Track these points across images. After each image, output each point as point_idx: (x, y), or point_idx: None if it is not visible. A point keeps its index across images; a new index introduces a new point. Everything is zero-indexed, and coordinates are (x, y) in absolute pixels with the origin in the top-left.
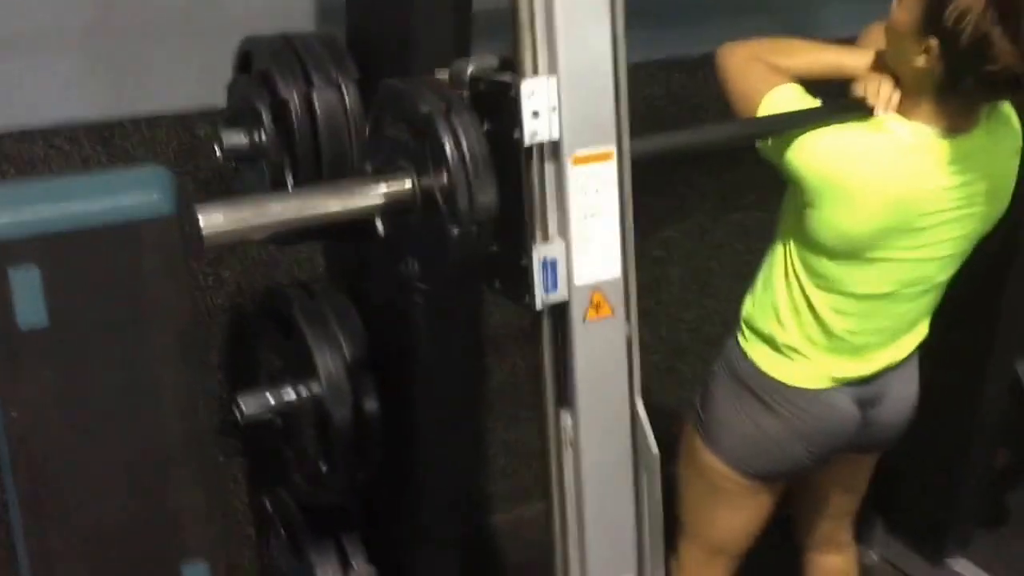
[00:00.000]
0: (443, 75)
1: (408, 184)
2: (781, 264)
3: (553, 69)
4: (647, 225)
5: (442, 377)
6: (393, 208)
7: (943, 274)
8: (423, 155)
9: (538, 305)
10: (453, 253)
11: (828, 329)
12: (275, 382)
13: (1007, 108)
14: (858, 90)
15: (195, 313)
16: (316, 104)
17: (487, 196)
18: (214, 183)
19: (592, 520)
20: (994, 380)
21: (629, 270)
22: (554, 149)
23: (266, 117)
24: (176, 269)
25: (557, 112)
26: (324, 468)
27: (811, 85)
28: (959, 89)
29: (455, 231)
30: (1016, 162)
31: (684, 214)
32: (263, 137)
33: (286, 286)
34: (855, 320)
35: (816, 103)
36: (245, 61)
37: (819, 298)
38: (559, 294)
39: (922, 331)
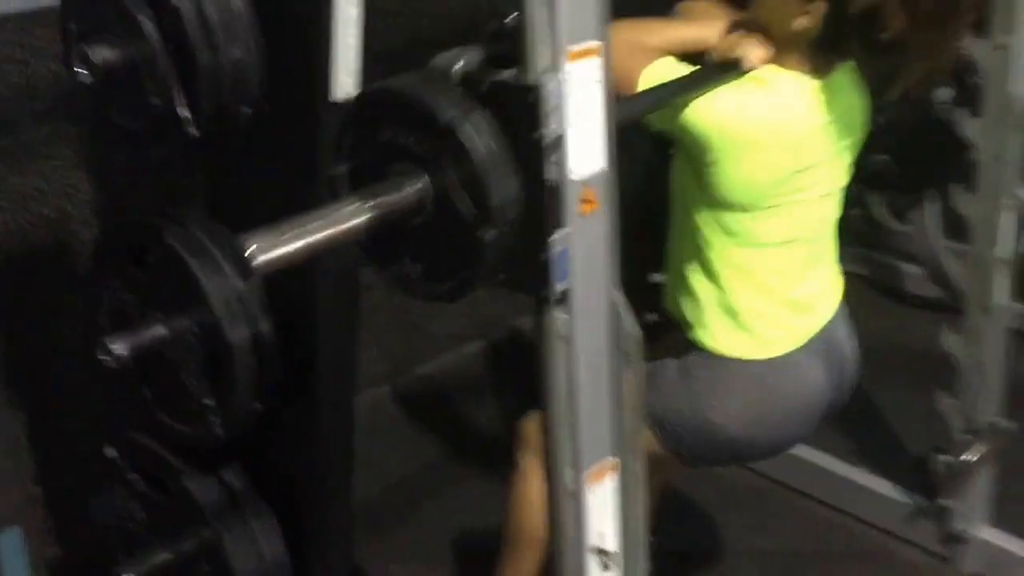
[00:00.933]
0: None
1: (420, 187)
2: (704, 240)
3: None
4: None
5: (334, 294)
6: (401, 215)
7: (837, 207)
8: (438, 159)
9: (554, 296)
10: (489, 254)
11: (770, 288)
12: (145, 320)
13: None
14: (723, 52)
15: None
16: (209, 11)
17: (514, 194)
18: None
19: (584, 409)
20: None
21: (612, 166)
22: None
23: (150, 28)
24: None
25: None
26: (211, 402)
27: None
28: (837, 48)
29: (488, 236)
30: (859, 96)
31: None
32: (144, 53)
33: (144, 219)
34: (787, 274)
35: (690, 69)
36: None
37: (747, 257)
38: (567, 283)
39: (837, 271)
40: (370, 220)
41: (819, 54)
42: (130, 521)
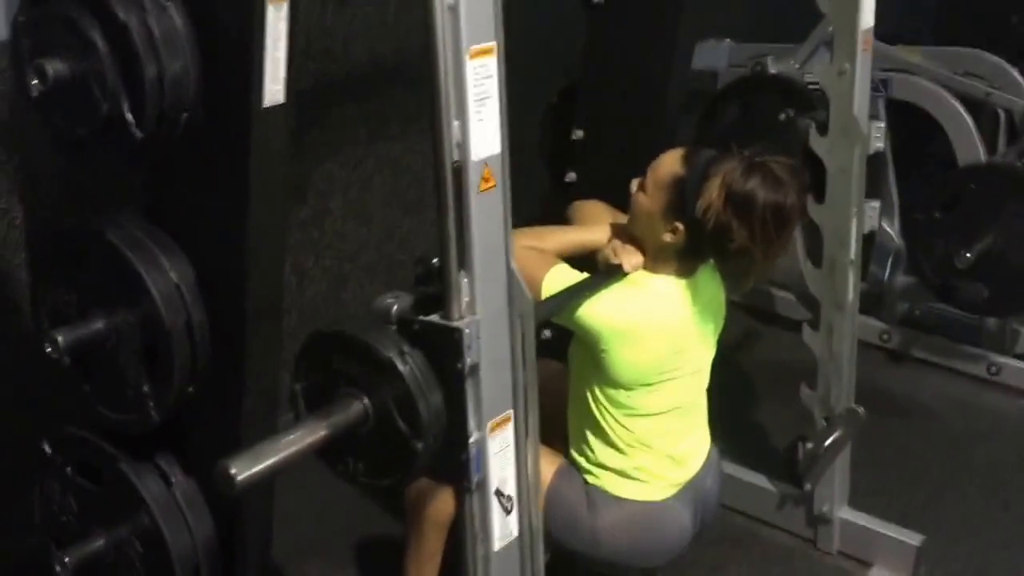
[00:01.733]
0: None
1: (363, 407)
2: (598, 410)
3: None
4: (310, 158)
5: (262, 285)
6: (351, 427)
7: (706, 379)
8: (378, 385)
9: (473, 486)
10: (420, 459)
11: (654, 448)
12: (85, 316)
13: None
14: (607, 258)
15: None
16: (153, 27)
17: (439, 411)
18: None
19: (485, 367)
20: None
21: (505, 150)
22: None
23: (100, 44)
24: None
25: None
26: (148, 388)
27: None
28: (696, 256)
29: (419, 446)
30: (720, 288)
31: (339, 146)
32: (95, 66)
33: (85, 221)
34: (668, 437)
35: (580, 276)
36: None
37: (634, 424)
38: (481, 475)
39: (706, 430)
40: (325, 437)
41: (684, 260)
42: (65, 513)
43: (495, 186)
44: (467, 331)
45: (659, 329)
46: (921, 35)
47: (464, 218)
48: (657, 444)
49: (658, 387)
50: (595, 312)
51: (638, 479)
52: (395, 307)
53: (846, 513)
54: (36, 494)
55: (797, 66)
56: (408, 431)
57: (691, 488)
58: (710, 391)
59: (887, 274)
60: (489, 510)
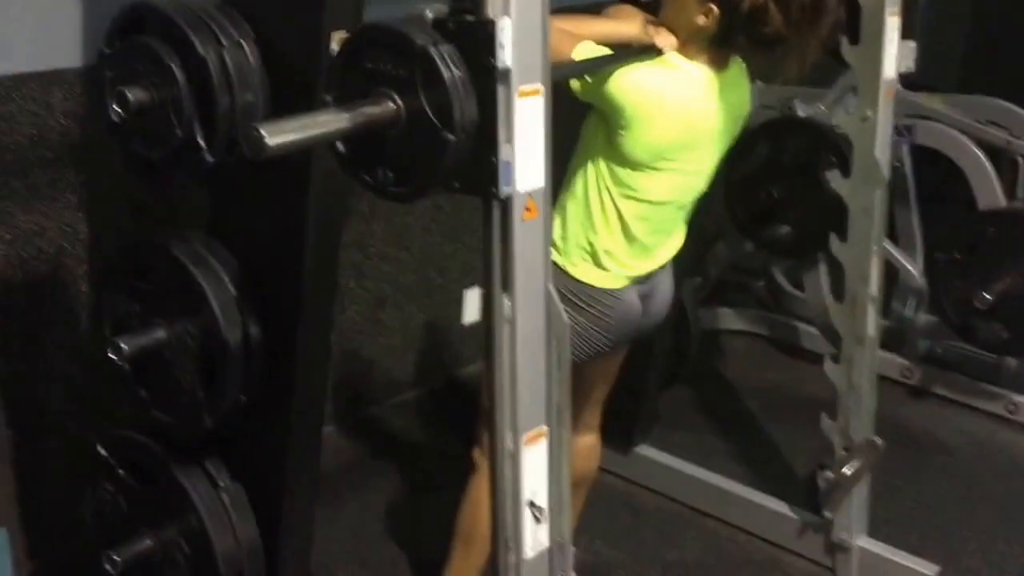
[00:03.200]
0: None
1: (392, 105)
2: (594, 184)
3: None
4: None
5: (315, 302)
6: (380, 125)
7: (702, 185)
8: (411, 80)
9: (502, 194)
10: (451, 158)
11: (631, 233)
12: (147, 326)
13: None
14: (641, 39)
15: None
16: (228, 62)
17: (472, 110)
18: None
19: (522, 381)
20: None
21: (548, 183)
22: (506, 77)
23: (179, 75)
24: None
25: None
26: (202, 396)
27: None
28: (730, 43)
29: (451, 138)
30: (748, 93)
31: None
32: (173, 94)
33: (150, 237)
34: (649, 224)
35: (610, 52)
36: (132, 24)
37: (625, 206)
38: (511, 188)
39: (681, 236)
40: (355, 125)
41: (716, 49)
42: (116, 513)
43: (537, 216)
44: (501, 25)
45: (681, 113)
46: (948, 83)
47: (508, 243)
48: (636, 230)
49: (661, 174)
50: (624, 82)
51: (602, 267)
52: (430, 11)
53: (864, 542)
54: (88, 495)
55: (824, 109)
56: (439, 124)
57: (648, 281)
58: (733, 416)
59: (909, 312)
60: (521, 519)
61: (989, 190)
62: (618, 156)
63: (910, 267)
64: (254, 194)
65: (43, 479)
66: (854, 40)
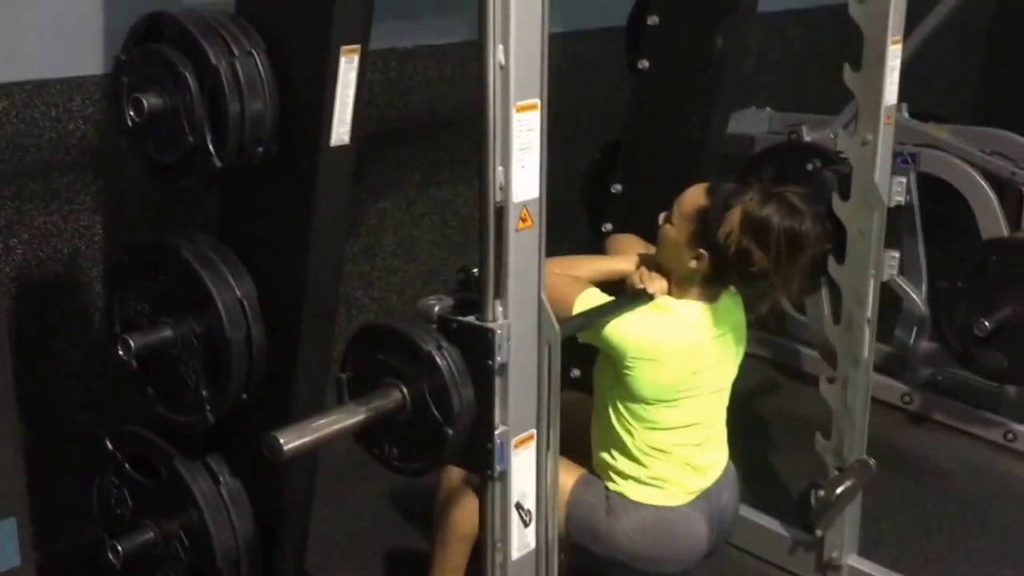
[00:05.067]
0: None
1: (399, 395)
2: (617, 423)
3: (505, 40)
4: (367, 196)
5: (317, 305)
6: (389, 413)
7: (726, 398)
8: (417, 376)
9: (496, 473)
10: (450, 447)
11: (670, 456)
12: (155, 324)
13: None
14: (634, 283)
15: None
16: (239, 71)
17: (471, 401)
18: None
19: (514, 386)
20: None
21: (542, 194)
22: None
23: (192, 82)
24: None
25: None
26: (206, 393)
27: None
28: (722, 281)
29: (450, 432)
30: (743, 315)
31: (394, 187)
32: (186, 101)
33: (160, 238)
34: (680, 446)
35: (611, 299)
36: (149, 32)
37: (651, 438)
38: (504, 466)
39: (725, 446)
40: (365, 419)
41: (707, 286)
42: (120, 505)
43: (532, 226)
44: (499, 332)
45: (681, 350)
46: (962, 114)
47: (503, 252)
48: (676, 453)
49: (678, 403)
50: (621, 331)
51: (656, 486)
52: (436, 308)
53: (855, 561)
54: (94, 487)
55: (832, 136)
56: (441, 419)
57: (707, 497)
58: (732, 428)
59: (911, 339)
60: (509, 520)
61: (992, 219)
62: (630, 396)
63: (914, 294)
64: (261, 199)
65: (52, 472)
66: (840, 260)
